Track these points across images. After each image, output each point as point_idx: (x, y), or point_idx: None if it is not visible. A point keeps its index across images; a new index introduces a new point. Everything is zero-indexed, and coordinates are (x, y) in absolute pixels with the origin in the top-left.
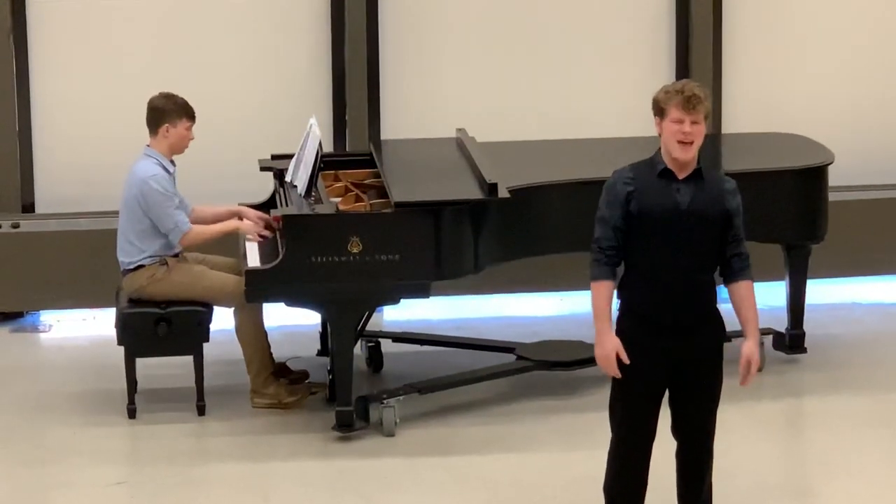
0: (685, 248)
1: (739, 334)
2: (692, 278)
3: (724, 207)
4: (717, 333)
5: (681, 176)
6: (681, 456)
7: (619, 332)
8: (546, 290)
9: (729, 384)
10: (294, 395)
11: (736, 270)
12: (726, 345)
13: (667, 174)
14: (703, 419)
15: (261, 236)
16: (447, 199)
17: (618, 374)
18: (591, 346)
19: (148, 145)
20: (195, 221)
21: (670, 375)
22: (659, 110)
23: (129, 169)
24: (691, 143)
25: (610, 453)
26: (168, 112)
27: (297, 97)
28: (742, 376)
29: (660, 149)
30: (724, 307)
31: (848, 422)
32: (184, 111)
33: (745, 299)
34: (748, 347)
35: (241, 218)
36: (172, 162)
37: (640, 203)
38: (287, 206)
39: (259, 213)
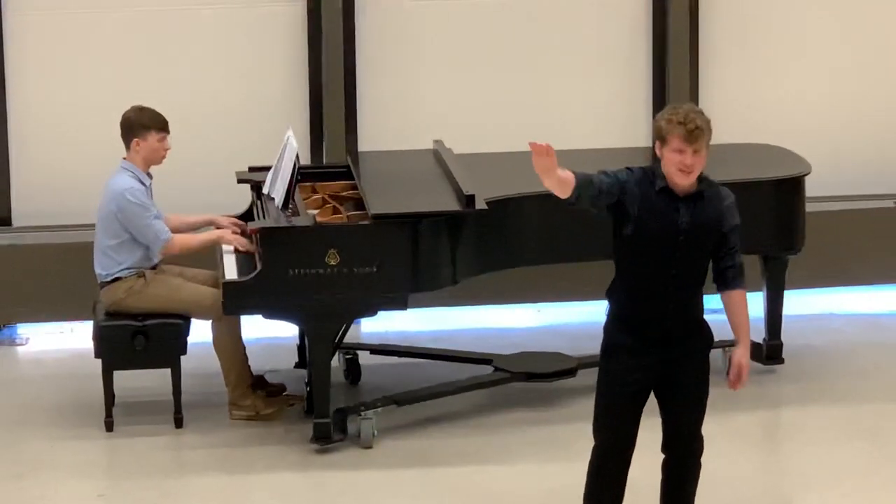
0: (678, 265)
1: (725, 344)
2: (682, 292)
3: (721, 227)
4: (703, 342)
5: (681, 195)
6: (667, 468)
7: (605, 338)
8: (523, 301)
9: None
10: (271, 406)
11: (730, 280)
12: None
13: (666, 192)
14: (692, 427)
15: (244, 248)
16: (424, 210)
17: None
18: (569, 358)
19: (124, 158)
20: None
21: (656, 383)
22: (660, 137)
23: (105, 182)
24: (692, 172)
25: (590, 462)
26: (138, 126)
27: (274, 109)
28: (731, 382)
29: (659, 164)
30: (713, 317)
31: (825, 432)
32: (154, 124)
33: (738, 306)
34: (739, 354)
35: (217, 227)
36: (149, 174)
37: (639, 219)
38: (264, 218)
39: (233, 220)
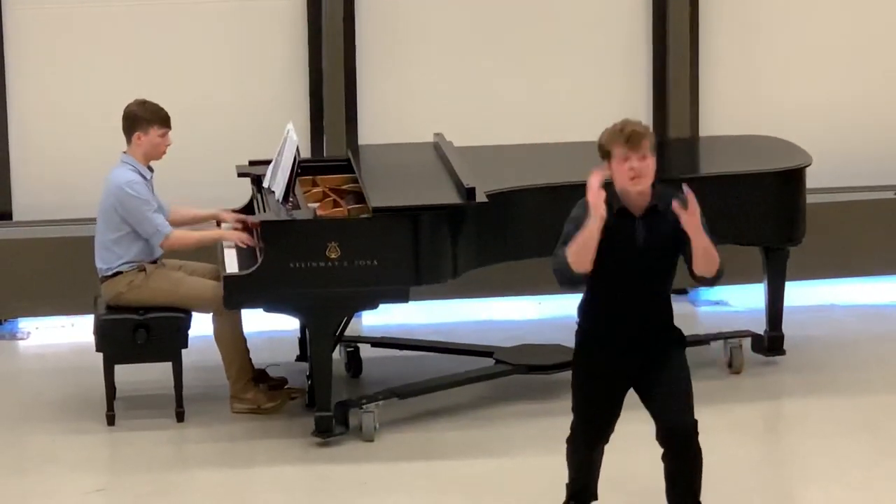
0: (642, 279)
1: (725, 336)
2: (649, 303)
3: (680, 237)
4: (675, 341)
5: (637, 214)
6: (667, 459)
7: (577, 346)
8: (524, 294)
9: (707, 387)
10: (273, 400)
11: None
12: (692, 351)
13: (623, 212)
14: (682, 418)
15: (245, 244)
16: (425, 203)
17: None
18: (569, 350)
19: (125, 152)
20: (173, 222)
21: (635, 383)
22: (605, 153)
23: (106, 176)
24: (642, 176)
25: (568, 443)
26: (139, 120)
27: (274, 103)
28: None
29: (613, 187)
30: (711, 309)
31: (827, 424)
32: (156, 118)
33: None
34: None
35: (219, 223)
36: (150, 168)
37: (602, 241)
38: (265, 211)
39: (237, 216)
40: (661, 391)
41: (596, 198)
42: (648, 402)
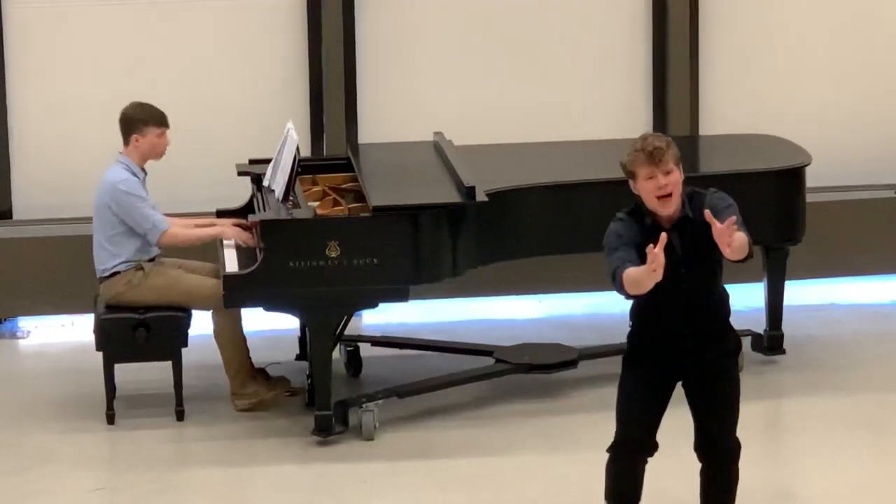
0: (686, 289)
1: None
2: (698, 308)
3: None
4: (730, 347)
5: (668, 225)
6: (704, 475)
7: (628, 349)
8: (524, 293)
9: None
10: (273, 389)
11: None
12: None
13: (655, 227)
14: (724, 432)
15: (245, 242)
16: (425, 202)
17: (659, 260)
18: (569, 349)
19: (120, 152)
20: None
21: (685, 386)
22: (629, 174)
23: (101, 176)
24: (670, 195)
25: (609, 453)
26: (136, 122)
27: (274, 101)
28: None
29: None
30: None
31: (827, 423)
32: (152, 119)
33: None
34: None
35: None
36: (143, 169)
37: (640, 255)
38: (265, 210)
39: (236, 221)
40: (710, 407)
41: (658, 263)
42: (695, 412)
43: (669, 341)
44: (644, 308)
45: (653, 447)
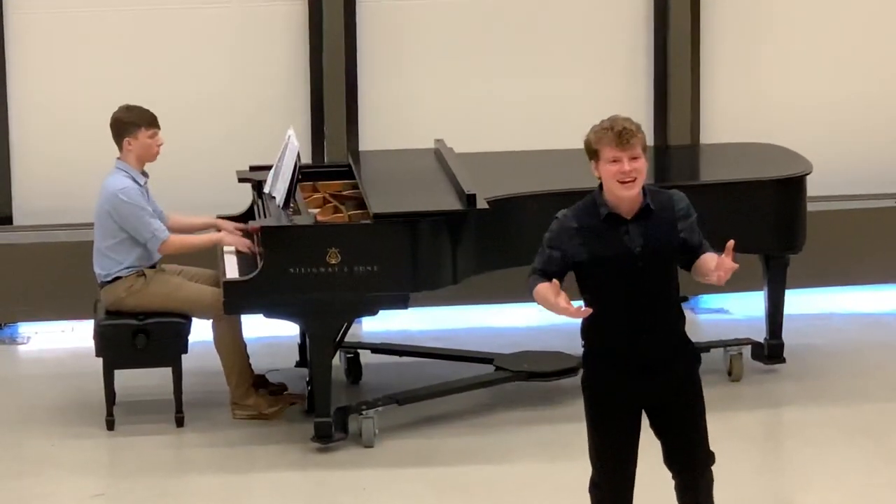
0: (644, 288)
1: (726, 343)
2: (655, 313)
3: (680, 238)
4: (689, 363)
5: (628, 216)
6: (679, 487)
7: (586, 373)
8: (525, 300)
9: (707, 395)
10: (274, 405)
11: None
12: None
13: (612, 217)
14: (691, 451)
15: (246, 249)
16: (426, 210)
17: (561, 304)
18: (570, 357)
19: (118, 158)
20: (170, 229)
21: (647, 411)
22: (592, 152)
23: (101, 183)
24: (633, 180)
25: (589, 491)
26: (126, 125)
27: (275, 108)
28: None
29: (601, 187)
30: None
31: (827, 432)
32: (142, 120)
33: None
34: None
35: (219, 230)
36: (144, 173)
37: (591, 252)
38: (265, 217)
39: (236, 225)
40: (676, 428)
41: (564, 311)
42: (662, 433)
43: (626, 350)
44: (596, 313)
45: (634, 476)
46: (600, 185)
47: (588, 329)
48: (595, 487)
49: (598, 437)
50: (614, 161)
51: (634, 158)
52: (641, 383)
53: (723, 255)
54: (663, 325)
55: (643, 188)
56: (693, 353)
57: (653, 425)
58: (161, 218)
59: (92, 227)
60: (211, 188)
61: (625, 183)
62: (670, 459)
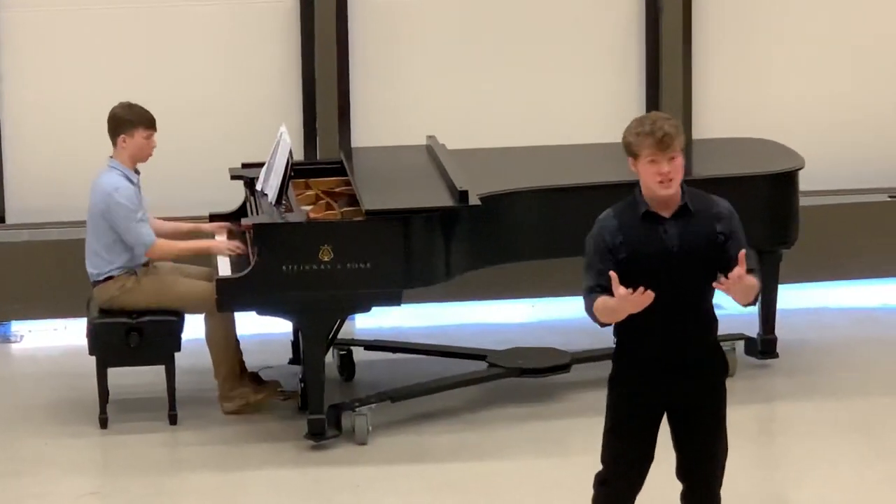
0: (679, 289)
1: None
2: (689, 315)
3: (717, 240)
4: (717, 371)
5: (666, 215)
6: (686, 497)
7: (614, 374)
8: (517, 297)
9: None
10: (260, 392)
11: None
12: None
13: (650, 215)
14: (707, 463)
15: (233, 252)
16: (418, 206)
17: (637, 300)
18: (562, 353)
19: (111, 156)
20: (156, 233)
21: (669, 415)
22: (632, 153)
23: (92, 181)
24: (671, 180)
25: (595, 486)
26: (124, 122)
27: (267, 105)
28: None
29: (639, 187)
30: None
31: (820, 426)
32: (141, 120)
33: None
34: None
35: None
36: (136, 171)
37: (630, 249)
38: (258, 214)
39: (220, 224)
40: (696, 435)
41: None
42: (679, 444)
43: (656, 352)
44: (630, 316)
45: (641, 485)
46: (638, 187)
47: (620, 325)
48: (602, 485)
49: (616, 436)
50: (653, 162)
51: (672, 160)
52: (669, 385)
53: (736, 268)
54: (696, 327)
55: (681, 186)
56: (723, 360)
57: (673, 432)
58: (145, 222)
59: (84, 225)
60: (203, 186)
61: (663, 183)
62: (684, 471)
